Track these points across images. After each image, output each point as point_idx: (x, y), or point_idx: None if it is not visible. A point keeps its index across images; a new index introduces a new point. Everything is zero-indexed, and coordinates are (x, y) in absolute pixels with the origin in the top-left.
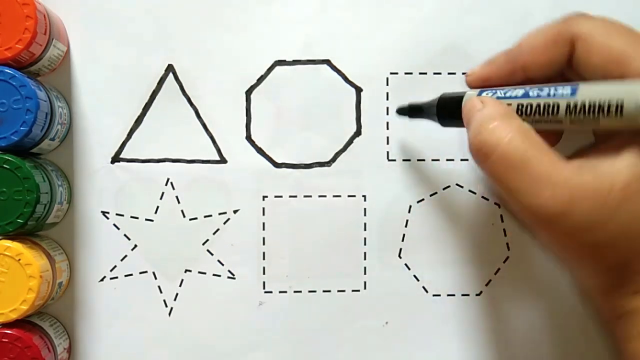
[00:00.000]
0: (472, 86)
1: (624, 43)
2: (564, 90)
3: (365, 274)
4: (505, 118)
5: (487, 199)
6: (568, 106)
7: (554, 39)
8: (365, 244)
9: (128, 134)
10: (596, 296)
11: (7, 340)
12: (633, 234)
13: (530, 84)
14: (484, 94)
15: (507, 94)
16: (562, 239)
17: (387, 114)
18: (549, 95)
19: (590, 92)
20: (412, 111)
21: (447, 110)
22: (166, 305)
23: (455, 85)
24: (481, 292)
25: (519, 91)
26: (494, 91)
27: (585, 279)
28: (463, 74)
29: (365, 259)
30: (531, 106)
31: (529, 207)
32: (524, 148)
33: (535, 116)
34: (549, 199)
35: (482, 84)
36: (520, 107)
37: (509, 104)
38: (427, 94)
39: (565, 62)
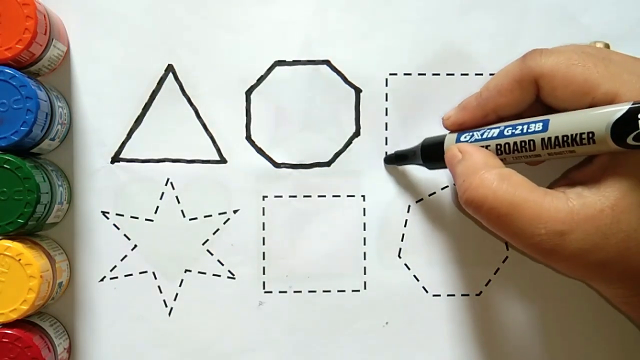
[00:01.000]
0: (449, 130)
1: (586, 71)
2: (536, 126)
3: (365, 274)
4: (486, 169)
5: None
6: (542, 140)
7: (518, 81)
8: (365, 244)
9: (128, 134)
10: (624, 308)
11: (7, 340)
12: (632, 250)
13: (504, 121)
14: (462, 137)
15: (484, 136)
16: (567, 266)
17: (386, 114)
18: (522, 132)
19: (560, 126)
20: (398, 159)
21: (431, 156)
22: (166, 305)
23: (454, 86)
24: (481, 292)
25: (495, 131)
26: (471, 134)
27: (606, 293)
28: (462, 74)
29: (365, 259)
30: (508, 145)
31: (528, 247)
32: (510, 196)
33: (514, 153)
34: (543, 236)
35: (459, 128)
36: (498, 147)
37: (488, 145)
38: (427, 94)
39: (534, 99)
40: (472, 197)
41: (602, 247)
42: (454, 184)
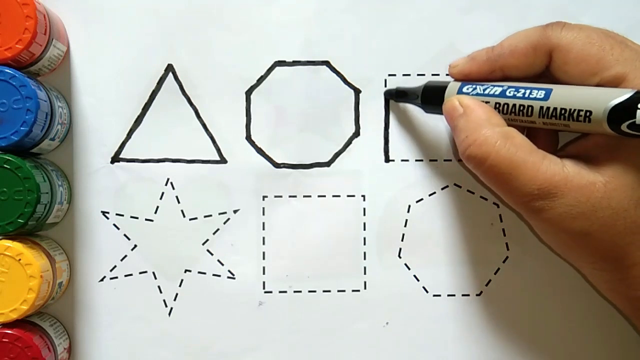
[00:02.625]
0: (454, 78)
1: (601, 52)
2: (539, 93)
3: (365, 274)
4: (489, 127)
5: (486, 199)
6: (541, 109)
7: (533, 47)
8: (365, 244)
9: (128, 134)
10: (610, 295)
11: (7, 340)
12: (618, 229)
13: (508, 82)
14: (464, 87)
15: (486, 91)
16: (552, 229)
17: (386, 114)
18: (524, 96)
19: (561, 98)
20: (398, 95)
21: (431, 99)
22: (166, 305)
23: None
24: (481, 292)
25: (497, 89)
26: (474, 87)
27: (592, 277)
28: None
29: (365, 259)
30: (507, 105)
31: (520, 204)
32: (511, 155)
33: (510, 115)
34: (535, 195)
35: (464, 78)
36: (497, 105)
37: (487, 102)
38: None
39: (543, 68)
40: (474, 153)
41: (588, 217)
42: (453, 137)
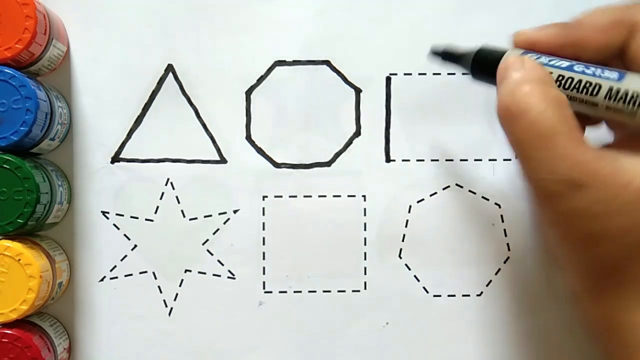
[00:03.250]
0: (517, 46)
1: None
2: (611, 74)
3: (365, 274)
4: (542, 84)
5: (488, 199)
6: (610, 90)
7: (616, 22)
8: (365, 244)
9: (128, 134)
10: (587, 300)
11: (7, 340)
12: (633, 239)
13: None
14: (527, 55)
15: (551, 62)
16: (563, 222)
17: (387, 114)
18: (594, 74)
19: (636, 84)
20: (445, 56)
21: (484, 64)
22: (166, 305)
23: (455, 86)
24: (482, 292)
25: (564, 62)
26: (538, 55)
27: (578, 279)
28: (463, 74)
29: (365, 259)
30: (572, 80)
31: (543, 179)
32: (555, 121)
33: (572, 92)
34: (563, 175)
35: (528, 47)
36: (560, 78)
37: (550, 72)
38: (428, 94)
39: (619, 49)
40: (516, 101)
41: (606, 219)
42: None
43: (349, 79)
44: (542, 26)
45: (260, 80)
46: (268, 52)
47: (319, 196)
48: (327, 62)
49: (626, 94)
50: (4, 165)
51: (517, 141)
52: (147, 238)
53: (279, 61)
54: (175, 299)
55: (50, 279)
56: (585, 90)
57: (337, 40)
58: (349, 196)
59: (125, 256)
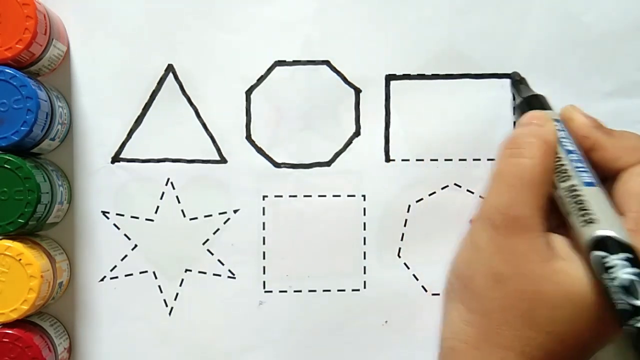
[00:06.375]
0: (561, 113)
1: None
2: (587, 176)
3: (365, 273)
4: (548, 147)
5: None
6: (572, 186)
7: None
8: (364, 244)
9: (128, 134)
10: None
11: (7, 340)
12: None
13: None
14: (557, 124)
15: (567, 147)
16: (499, 252)
17: (386, 114)
18: (576, 168)
19: (591, 198)
20: (515, 83)
21: (529, 102)
22: (166, 305)
23: (454, 86)
24: None
25: (574, 155)
26: (562, 129)
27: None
28: (462, 75)
29: (364, 258)
30: (559, 159)
31: (495, 209)
32: (536, 175)
33: (557, 175)
34: (510, 218)
35: (564, 119)
36: (559, 163)
37: (560, 157)
38: (427, 94)
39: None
40: (525, 142)
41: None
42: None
43: (348, 79)
44: (594, 119)
45: (260, 80)
46: (268, 52)
47: (319, 196)
48: (326, 62)
49: (579, 199)
50: (5, 165)
51: (498, 170)
52: (147, 238)
53: (279, 61)
54: (175, 299)
55: (51, 278)
56: (559, 173)
57: (337, 40)
58: (348, 196)
59: (126, 256)
